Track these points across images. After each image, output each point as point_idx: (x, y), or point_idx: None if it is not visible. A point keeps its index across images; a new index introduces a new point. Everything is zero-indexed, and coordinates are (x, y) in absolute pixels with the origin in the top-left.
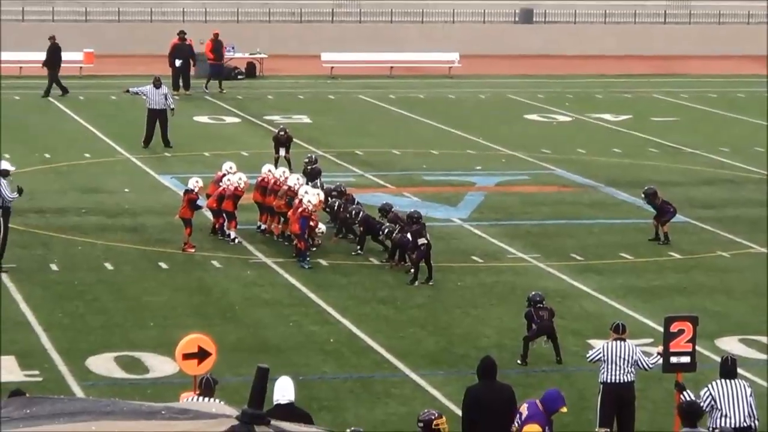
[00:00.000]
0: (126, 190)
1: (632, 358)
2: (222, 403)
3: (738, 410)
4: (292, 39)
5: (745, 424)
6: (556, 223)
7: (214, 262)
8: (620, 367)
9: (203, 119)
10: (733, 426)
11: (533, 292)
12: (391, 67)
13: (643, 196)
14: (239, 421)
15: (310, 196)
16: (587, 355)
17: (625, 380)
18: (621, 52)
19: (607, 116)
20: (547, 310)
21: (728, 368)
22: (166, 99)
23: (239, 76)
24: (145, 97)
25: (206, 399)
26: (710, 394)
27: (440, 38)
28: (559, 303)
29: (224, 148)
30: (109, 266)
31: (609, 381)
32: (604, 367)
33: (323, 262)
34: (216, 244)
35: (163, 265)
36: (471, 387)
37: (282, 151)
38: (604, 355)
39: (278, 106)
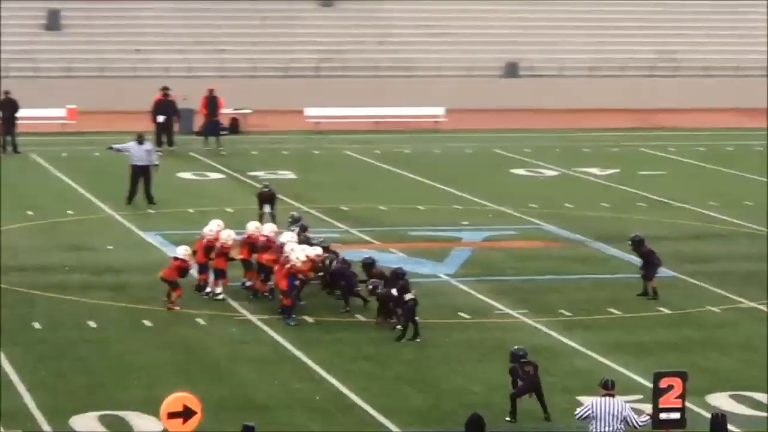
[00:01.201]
0: (109, 247)
1: (622, 414)
2: None
3: None
4: (276, 93)
5: None
6: (544, 278)
7: (199, 320)
8: (609, 423)
9: (187, 175)
10: None
11: (515, 347)
12: (377, 122)
13: (629, 243)
14: None
15: (298, 253)
16: (576, 413)
17: None
18: (608, 105)
19: (594, 170)
20: (531, 365)
21: (718, 425)
22: (149, 155)
23: (222, 132)
24: (128, 154)
25: None
26: None
27: (426, 92)
28: (547, 360)
29: (209, 205)
30: (92, 324)
31: None
32: (593, 424)
33: (308, 319)
34: (200, 302)
35: (147, 323)
36: None
37: (267, 208)
38: (593, 412)
39: (263, 161)
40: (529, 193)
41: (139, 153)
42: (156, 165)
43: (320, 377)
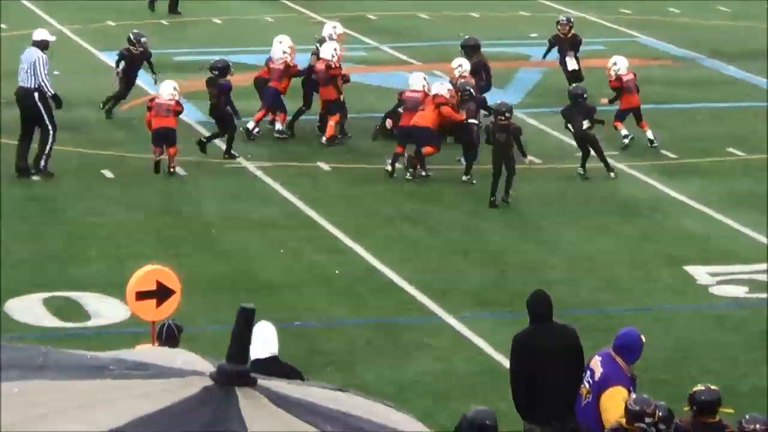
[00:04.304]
0: (56, 72)
1: None
2: (192, 354)
3: None
4: None
5: None
6: (642, 108)
7: (179, 169)
8: None
9: None
10: None
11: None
12: None
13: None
14: (214, 380)
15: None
16: None
17: None
18: None
19: None
20: (507, 129)
21: None
22: None
23: None
24: None
25: None
26: None
27: None
28: (647, 218)
29: (190, 14)
30: (36, 177)
31: None
32: None
33: (324, 167)
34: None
35: (109, 174)
36: (520, 332)
37: (572, 62)
38: None
39: None
40: None
41: None
42: None
43: (345, 246)
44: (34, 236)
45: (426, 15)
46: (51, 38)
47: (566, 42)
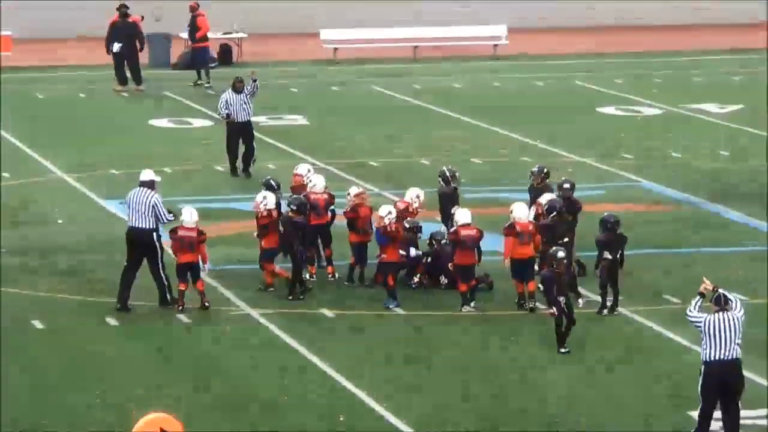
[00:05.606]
0: (60, 220)
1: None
2: None
3: None
4: (280, 12)
5: None
6: (643, 253)
7: (181, 316)
8: (727, 347)
9: (162, 123)
10: None
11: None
12: (415, 47)
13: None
14: None
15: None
16: (689, 311)
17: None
18: (727, 20)
19: (710, 107)
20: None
21: None
22: (247, 104)
23: (211, 64)
24: (226, 111)
25: None
26: None
27: (481, 7)
28: (649, 361)
29: (192, 161)
30: (38, 324)
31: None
32: (705, 344)
33: (327, 313)
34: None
35: (112, 322)
36: None
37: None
38: (704, 328)
39: (264, 102)
40: (622, 138)
41: (239, 104)
42: (256, 89)
43: (340, 386)
44: (35, 383)
45: (427, 161)
46: (157, 178)
47: (536, 192)
